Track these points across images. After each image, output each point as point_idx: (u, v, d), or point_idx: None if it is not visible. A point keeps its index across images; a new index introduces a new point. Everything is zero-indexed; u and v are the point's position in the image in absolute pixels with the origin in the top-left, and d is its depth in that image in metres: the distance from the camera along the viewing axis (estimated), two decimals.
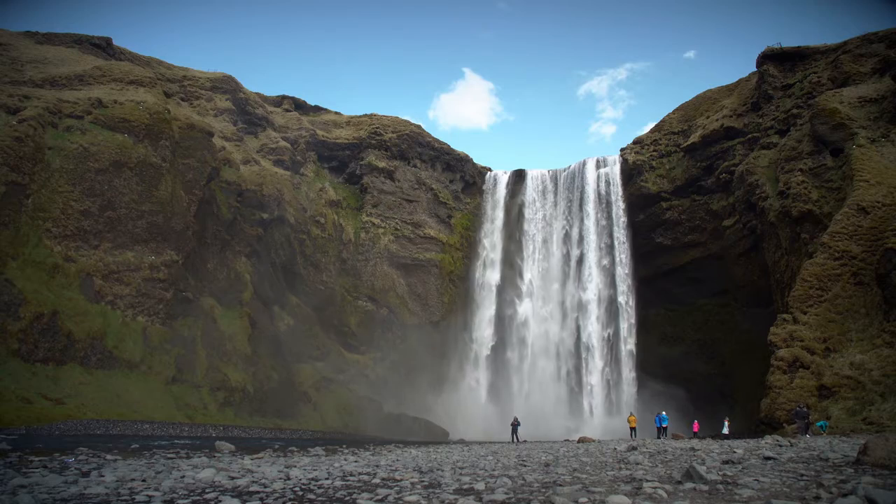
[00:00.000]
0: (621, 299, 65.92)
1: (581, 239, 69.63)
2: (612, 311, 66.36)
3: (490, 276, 74.08)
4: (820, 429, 31.26)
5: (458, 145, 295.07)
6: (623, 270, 66.73)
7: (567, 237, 71.21)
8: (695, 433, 40.36)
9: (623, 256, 67.15)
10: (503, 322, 71.65)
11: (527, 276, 71.94)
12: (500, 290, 72.85)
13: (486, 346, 71.20)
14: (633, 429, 39.71)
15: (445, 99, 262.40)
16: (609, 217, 69.00)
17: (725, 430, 38.72)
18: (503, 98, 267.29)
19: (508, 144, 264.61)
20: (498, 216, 76.64)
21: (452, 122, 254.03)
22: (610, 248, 68.18)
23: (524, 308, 70.92)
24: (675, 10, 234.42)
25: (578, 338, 66.73)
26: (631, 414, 42.12)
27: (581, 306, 67.51)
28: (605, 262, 68.10)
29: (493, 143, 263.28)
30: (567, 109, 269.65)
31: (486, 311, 72.60)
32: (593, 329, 65.96)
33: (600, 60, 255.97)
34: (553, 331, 68.83)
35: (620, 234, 67.80)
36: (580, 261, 69.22)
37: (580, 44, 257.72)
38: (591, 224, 69.19)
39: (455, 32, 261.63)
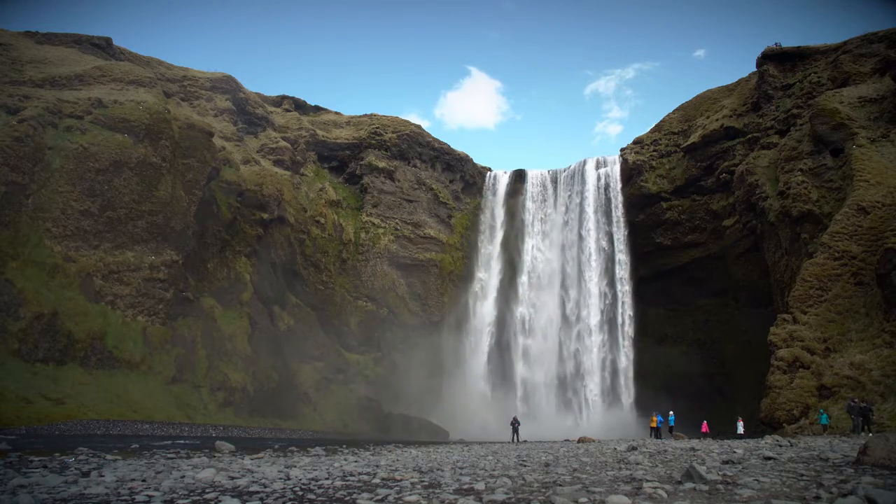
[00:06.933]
0: (621, 299, 65.94)
1: (581, 238, 69.63)
2: (611, 310, 66.38)
3: (490, 276, 74.12)
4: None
5: (465, 145, 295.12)
6: (623, 270, 66.74)
7: (567, 237, 71.24)
8: (704, 434, 39.62)
9: (623, 256, 67.17)
10: (503, 322, 71.70)
11: (526, 276, 71.98)
12: (500, 290, 72.90)
13: (485, 346, 71.20)
14: (653, 429, 39.27)
15: (452, 97, 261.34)
16: (609, 217, 69.01)
17: (741, 430, 38.07)
18: (510, 97, 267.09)
19: (514, 144, 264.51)
20: (498, 216, 76.68)
21: (459, 121, 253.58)
22: (610, 248, 68.20)
23: (523, 308, 70.96)
24: (685, 10, 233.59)
25: (578, 337, 66.75)
26: (654, 415, 41.67)
27: (581, 306, 67.53)
28: (605, 261, 68.12)
29: (499, 143, 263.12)
30: (573, 109, 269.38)
31: (485, 312, 72.60)
32: (593, 329, 65.99)
33: (608, 60, 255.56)
34: (552, 330, 68.85)
35: (620, 234, 67.81)
36: (580, 260, 69.24)
37: (587, 43, 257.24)
38: (590, 224, 69.20)
39: (460, 32, 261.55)
